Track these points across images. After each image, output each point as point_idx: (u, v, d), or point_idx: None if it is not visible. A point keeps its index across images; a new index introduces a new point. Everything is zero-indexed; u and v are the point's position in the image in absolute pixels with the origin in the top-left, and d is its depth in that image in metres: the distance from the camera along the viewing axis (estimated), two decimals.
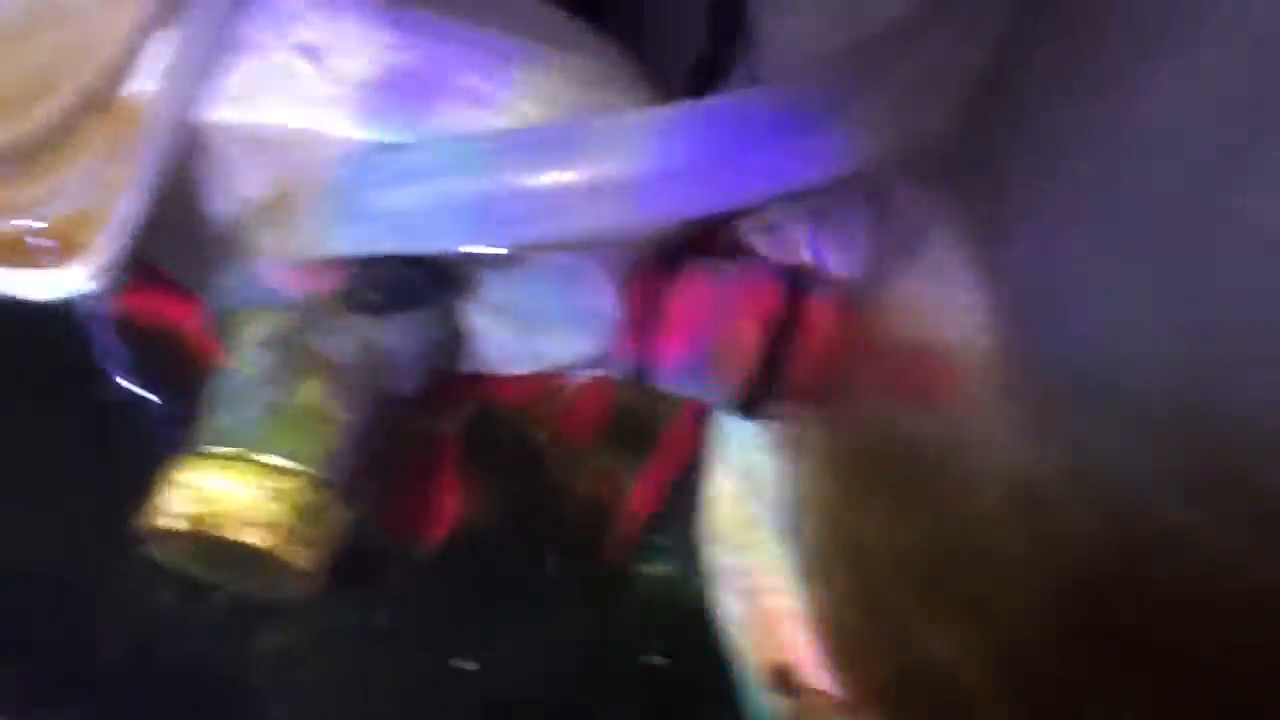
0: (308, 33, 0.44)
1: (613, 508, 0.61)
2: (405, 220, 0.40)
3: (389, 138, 0.43)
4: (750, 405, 0.51)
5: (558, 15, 0.48)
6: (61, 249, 0.39)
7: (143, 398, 0.57)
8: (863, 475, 0.47)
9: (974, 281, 0.37)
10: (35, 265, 0.39)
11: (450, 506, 0.59)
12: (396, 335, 0.47)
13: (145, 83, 0.41)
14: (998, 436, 0.36)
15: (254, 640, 0.64)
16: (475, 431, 0.58)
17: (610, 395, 0.61)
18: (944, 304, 0.39)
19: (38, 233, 0.39)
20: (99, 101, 0.39)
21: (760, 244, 0.50)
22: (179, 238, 0.46)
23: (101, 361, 0.56)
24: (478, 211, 0.39)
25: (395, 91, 0.44)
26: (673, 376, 0.50)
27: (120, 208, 0.40)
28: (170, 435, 0.45)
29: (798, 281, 0.49)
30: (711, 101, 0.40)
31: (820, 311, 0.49)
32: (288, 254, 0.43)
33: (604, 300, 0.47)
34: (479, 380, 0.53)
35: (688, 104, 0.40)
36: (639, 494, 0.59)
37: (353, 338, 0.46)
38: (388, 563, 0.60)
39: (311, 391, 0.45)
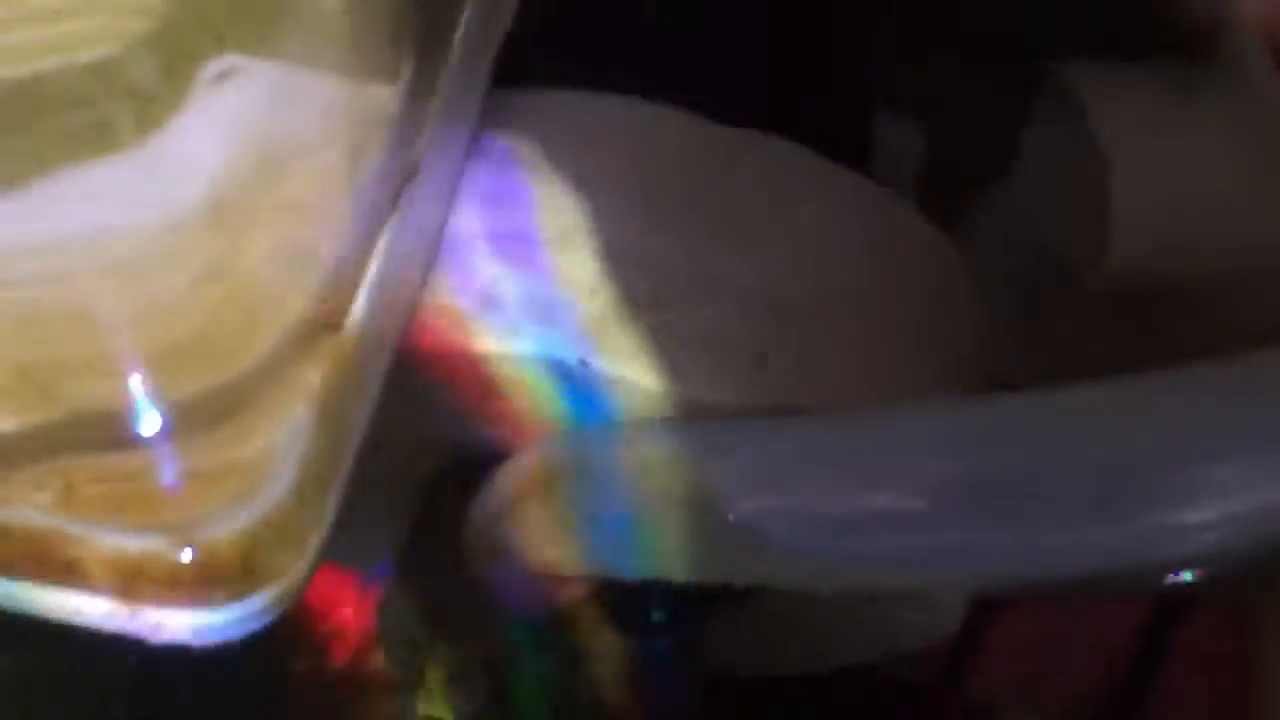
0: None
1: None
2: (784, 537, 0.25)
3: (693, 391, 0.29)
4: None
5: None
6: (240, 571, 0.24)
7: None
8: None
9: None
10: (188, 600, 0.24)
11: None
12: (666, 661, 0.32)
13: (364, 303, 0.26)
14: None
15: None
16: None
17: None
18: None
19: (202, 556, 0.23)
20: (309, 333, 0.24)
21: None
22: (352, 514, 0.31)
23: None
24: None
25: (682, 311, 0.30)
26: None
27: (329, 498, 0.25)
28: None
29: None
30: None
31: None
32: (550, 563, 0.28)
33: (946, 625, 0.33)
34: None
35: None
36: None
37: (608, 667, 0.31)
38: None
39: None
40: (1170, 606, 0.35)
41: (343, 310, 0.26)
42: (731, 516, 0.24)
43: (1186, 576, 0.27)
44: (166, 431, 0.23)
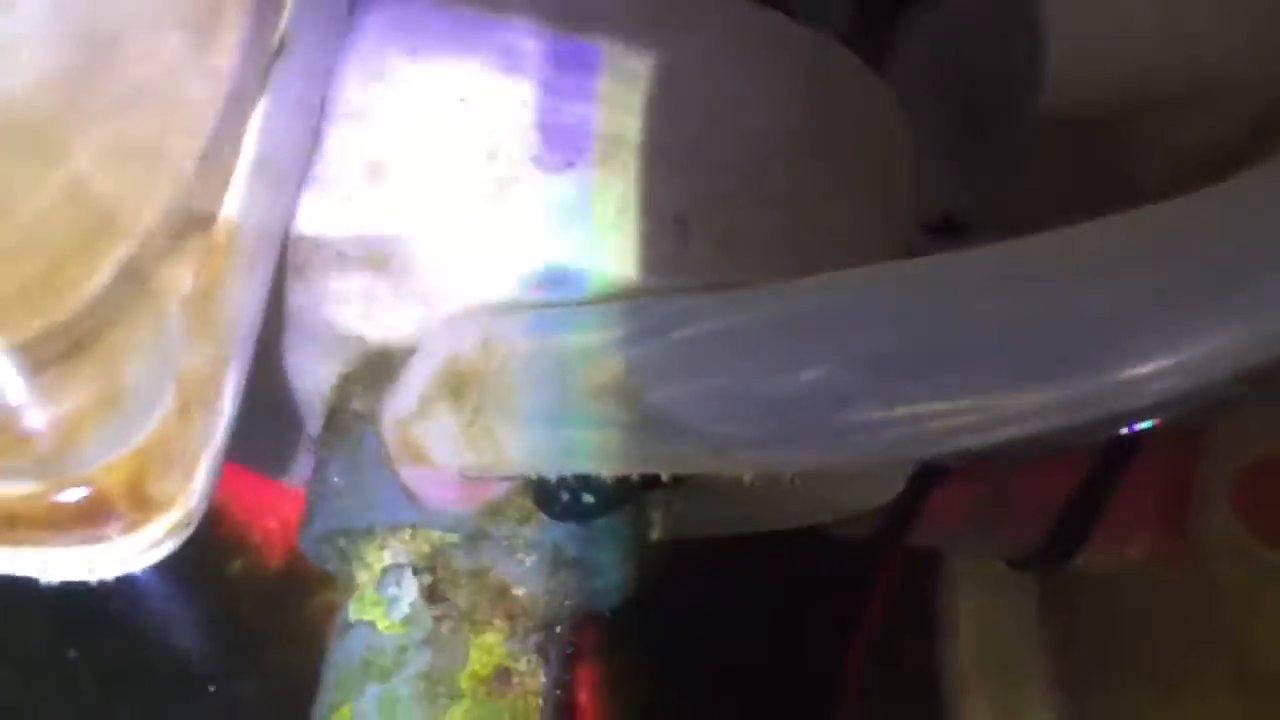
0: (443, 88, 0.27)
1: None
2: (711, 423, 0.23)
3: (609, 263, 0.27)
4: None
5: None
6: (127, 504, 0.22)
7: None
8: None
9: None
10: (76, 539, 0.22)
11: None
12: (604, 540, 0.30)
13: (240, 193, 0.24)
14: None
15: None
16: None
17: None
18: None
19: (82, 494, 0.21)
20: (178, 229, 0.21)
21: None
22: (259, 421, 0.29)
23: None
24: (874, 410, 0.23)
25: (598, 177, 0.28)
26: (946, 533, 0.35)
27: (219, 410, 0.23)
28: None
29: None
30: None
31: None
32: (471, 465, 0.26)
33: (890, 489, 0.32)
34: None
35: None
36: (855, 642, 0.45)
37: (541, 555, 0.30)
38: None
39: (489, 649, 0.29)
40: (1117, 448, 0.34)
41: (212, 203, 0.23)
42: (652, 406, 0.22)
43: (1136, 427, 0.26)
44: (22, 374, 0.20)
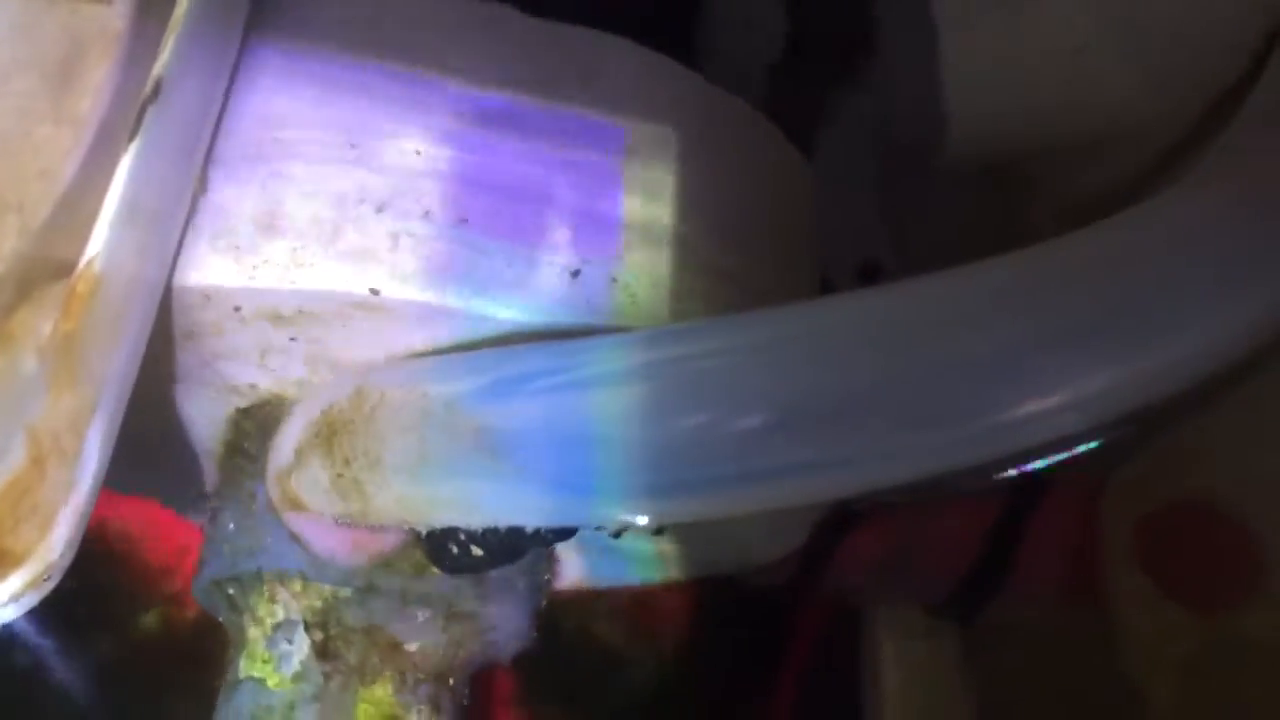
0: (338, 136, 0.27)
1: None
2: (586, 479, 0.23)
3: (494, 308, 0.26)
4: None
5: (666, 66, 0.32)
6: None
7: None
8: None
9: None
10: None
11: None
12: (496, 594, 0.30)
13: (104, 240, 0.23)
14: None
15: None
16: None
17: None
18: None
19: None
20: (34, 276, 0.21)
21: None
22: (141, 465, 0.29)
23: None
24: (728, 456, 0.22)
25: (488, 227, 0.27)
26: (858, 580, 0.35)
27: (81, 463, 0.22)
28: None
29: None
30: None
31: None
32: (343, 515, 0.26)
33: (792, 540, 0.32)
34: None
35: None
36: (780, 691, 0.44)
37: (434, 610, 0.29)
38: None
39: (378, 703, 0.28)
40: (1021, 496, 0.34)
41: (72, 250, 0.23)
42: (509, 456, 0.22)
43: (1032, 466, 0.26)
44: None
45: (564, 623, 0.44)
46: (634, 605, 0.44)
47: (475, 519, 0.24)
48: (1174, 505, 0.32)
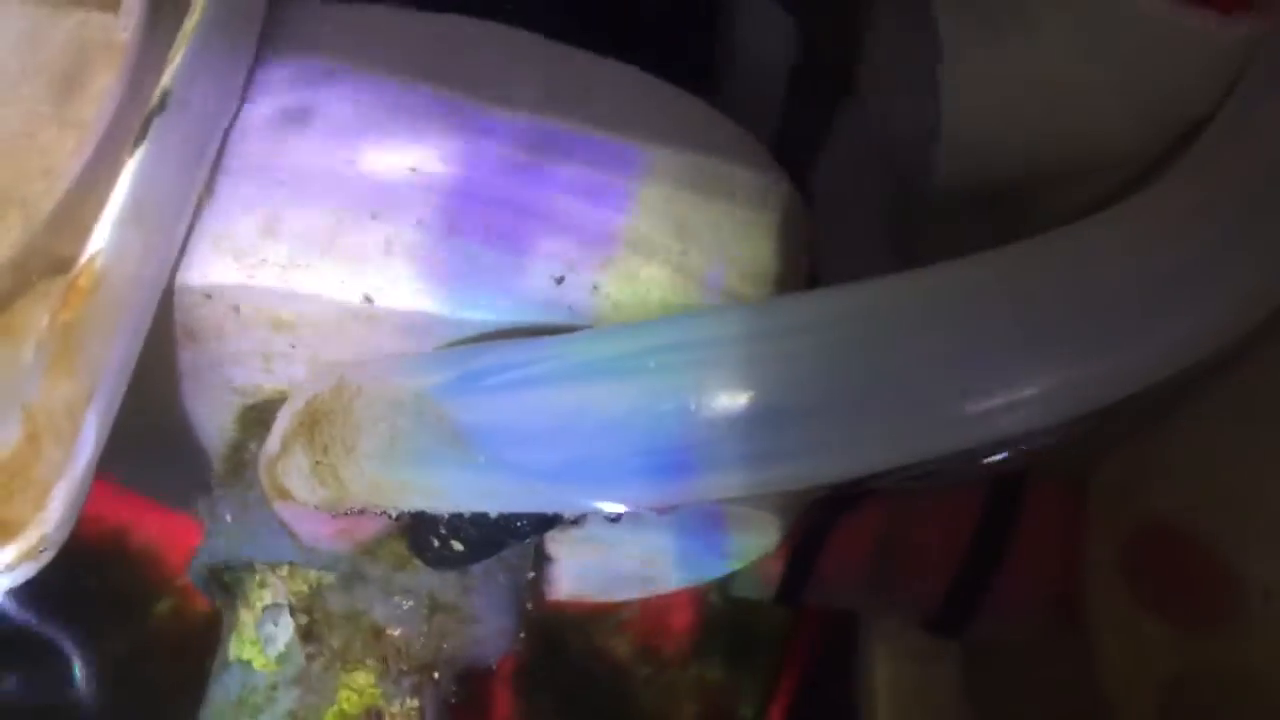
0: (338, 149, 0.29)
1: None
2: (544, 466, 0.24)
3: (479, 313, 0.28)
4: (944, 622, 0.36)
5: (666, 91, 0.33)
6: None
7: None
8: None
9: None
10: None
11: None
12: (480, 588, 0.31)
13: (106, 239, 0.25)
14: None
15: None
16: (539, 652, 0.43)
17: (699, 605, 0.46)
18: None
19: None
20: (35, 270, 0.23)
21: None
22: (148, 460, 0.30)
23: None
24: (707, 449, 0.24)
25: (479, 236, 0.29)
26: (845, 591, 0.36)
27: (77, 444, 0.24)
28: None
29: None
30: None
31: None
32: (323, 501, 0.27)
33: (769, 539, 0.32)
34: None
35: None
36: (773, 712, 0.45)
37: (417, 599, 0.30)
38: None
39: (360, 690, 0.29)
40: (1002, 490, 0.35)
41: (73, 247, 0.24)
42: (481, 452, 0.23)
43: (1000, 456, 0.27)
44: None
45: (571, 638, 0.45)
46: (641, 621, 0.45)
47: (442, 504, 0.25)
48: (1155, 528, 0.32)
